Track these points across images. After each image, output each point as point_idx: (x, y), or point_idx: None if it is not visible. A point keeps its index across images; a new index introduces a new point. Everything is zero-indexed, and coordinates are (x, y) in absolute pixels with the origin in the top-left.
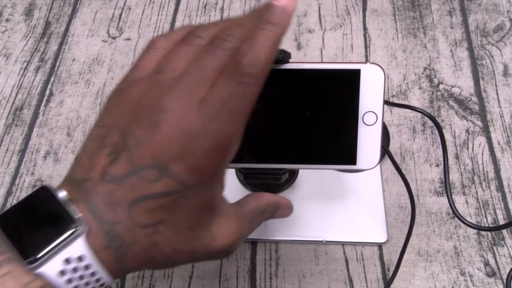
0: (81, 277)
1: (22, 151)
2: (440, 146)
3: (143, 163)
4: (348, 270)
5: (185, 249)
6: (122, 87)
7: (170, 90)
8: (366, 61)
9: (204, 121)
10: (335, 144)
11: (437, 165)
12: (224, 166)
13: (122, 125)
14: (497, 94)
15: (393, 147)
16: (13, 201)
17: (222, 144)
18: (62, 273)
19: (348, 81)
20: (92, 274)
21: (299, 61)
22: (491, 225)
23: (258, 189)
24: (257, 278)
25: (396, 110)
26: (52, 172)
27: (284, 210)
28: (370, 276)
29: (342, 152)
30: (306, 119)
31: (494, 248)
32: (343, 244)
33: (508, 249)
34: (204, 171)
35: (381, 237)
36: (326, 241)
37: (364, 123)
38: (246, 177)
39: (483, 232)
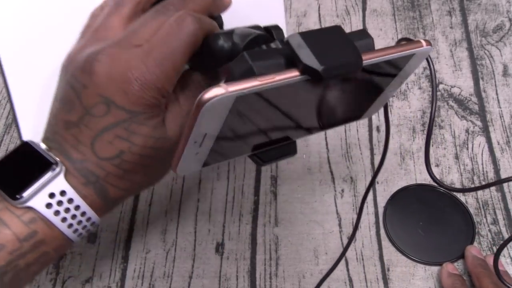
0: (67, 210)
1: None
2: (441, 146)
3: (92, 102)
4: (348, 270)
5: (152, 160)
6: (69, 52)
7: (107, 39)
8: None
9: (140, 61)
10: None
11: (437, 165)
12: (169, 88)
13: (69, 78)
14: (496, 94)
15: (393, 147)
16: None
17: (161, 77)
18: (49, 205)
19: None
20: (77, 207)
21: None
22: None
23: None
24: (257, 278)
25: (396, 110)
26: None
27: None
28: (370, 276)
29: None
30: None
31: (494, 248)
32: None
33: (508, 249)
34: (147, 100)
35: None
36: None
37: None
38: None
39: (483, 232)
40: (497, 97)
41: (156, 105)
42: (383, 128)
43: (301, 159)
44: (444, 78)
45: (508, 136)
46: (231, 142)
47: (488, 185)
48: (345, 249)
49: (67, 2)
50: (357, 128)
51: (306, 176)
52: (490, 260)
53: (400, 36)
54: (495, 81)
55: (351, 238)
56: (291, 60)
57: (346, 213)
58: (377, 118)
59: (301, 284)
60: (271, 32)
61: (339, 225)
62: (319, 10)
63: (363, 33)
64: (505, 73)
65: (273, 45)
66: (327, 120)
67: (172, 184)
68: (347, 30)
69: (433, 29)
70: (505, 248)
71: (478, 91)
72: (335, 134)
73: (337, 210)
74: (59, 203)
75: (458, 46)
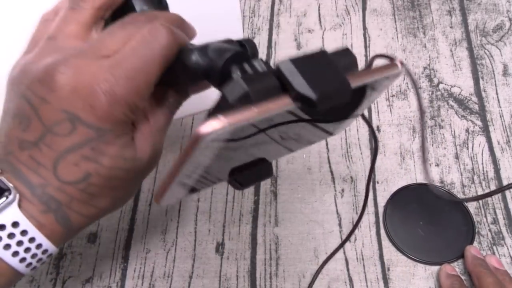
0: (20, 243)
1: None
2: (441, 146)
3: (54, 119)
4: (348, 270)
5: (121, 182)
6: (18, 61)
7: (67, 49)
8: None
9: (108, 73)
10: None
11: (437, 165)
12: (140, 104)
13: (23, 91)
14: (496, 93)
15: (393, 147)
16: None
17: (132, 91)
18: None
19: None
20: (31, 239)
21: None
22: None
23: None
24: (257, 278)
25: (396, 109)
26: None
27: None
28: (370, 276)
29: None
30: None
31: (494, 247)
32: None
33: (508, 248)
34: (116, 116)
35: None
36: None
37: None
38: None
39: (483, 232)
40: (497, 97)
41: (125, 122)
42: (383, 128)
43: (301, 159)
44: (444, 77)
45: (508, 136)
46: (216, 169)
47: (490, 194)
48: (343, 243)
49: (12, 4)
50: (357, 128)
51: (306, 176)
52: (490, 260)
53: (400, 36)
54: (495, 81)
55: (349, 234)
56: (284, 85)
57: (346, 213)
58: (377, 118)
59: (301, 284)
60: (245, 46)
61: (339, 225)
62: (319, 10)
63: (347, 53)
64: (505, 72)
65: (256, 64)
66: (304, 139)
67: None
68: (347, 30)
69: (433, 29)
70: (505, 248)
71: (478, 91)
72: None
73: (337, 210)
74: (11, 235)
75: (458, 45)
